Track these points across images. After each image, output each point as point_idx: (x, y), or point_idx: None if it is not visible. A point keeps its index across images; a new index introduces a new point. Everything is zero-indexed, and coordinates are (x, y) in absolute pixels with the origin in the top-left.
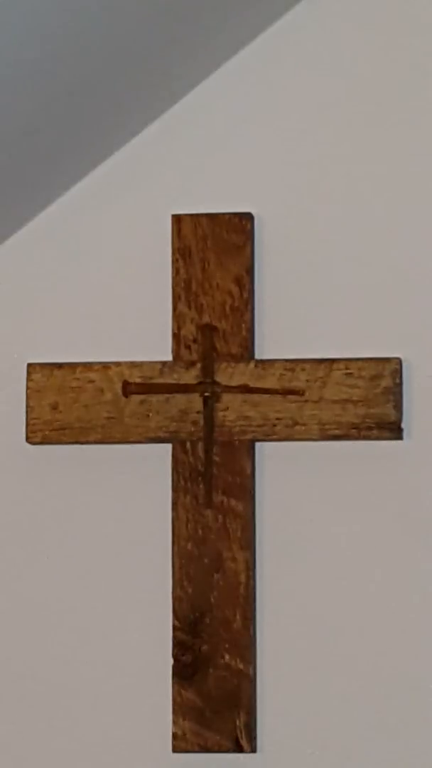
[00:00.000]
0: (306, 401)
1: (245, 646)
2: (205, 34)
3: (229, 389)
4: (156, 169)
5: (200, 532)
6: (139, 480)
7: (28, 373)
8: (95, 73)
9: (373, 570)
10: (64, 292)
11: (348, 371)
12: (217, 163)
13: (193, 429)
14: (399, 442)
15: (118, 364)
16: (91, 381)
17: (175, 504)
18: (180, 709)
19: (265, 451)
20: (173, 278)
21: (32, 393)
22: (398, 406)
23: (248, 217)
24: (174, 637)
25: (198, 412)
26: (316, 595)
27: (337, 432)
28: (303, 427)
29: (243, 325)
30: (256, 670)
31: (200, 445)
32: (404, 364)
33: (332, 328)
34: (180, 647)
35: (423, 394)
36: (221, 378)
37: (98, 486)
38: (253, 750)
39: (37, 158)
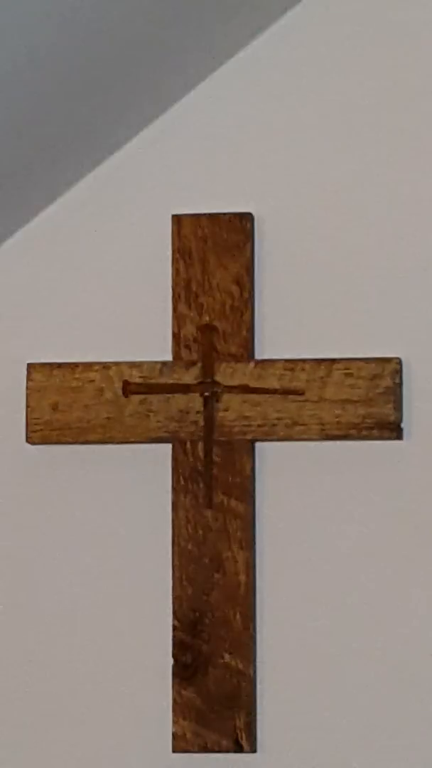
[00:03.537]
0: (306, 401)
1: (245, 646)
2: (205, 33)
3: (229, 389)
4: (156, 169)
5: (200, 532)
6: (139, 480)
7: (28, 373)
8: (95, 73)
9: (373, 570)
10: (64, 292)
11: (348, 371)
12: (217, 163)
13: (193, 429)
14: (399, 442)
15: (118, 364)
16: (91, 381)
17: (175, 504)
18: (180, 709)
19: (265, 451)
20: (173, 278)
21: (32, 393)
22: (398, 406)
23: (248, 217)
24: (174, 637)
25: (198, 412)
26: (316, 595)
27: (337, 432)
28: (303, 427)
29: (243, 325)
30: (256, 670)
31: (200, 445)
32: (404, 364)
33: (332, 328)
34: (180, 647)
35: (423, 394)
36: (221, 378)
37: (98, 486)
38: (253, 750)
39: (37, 158)
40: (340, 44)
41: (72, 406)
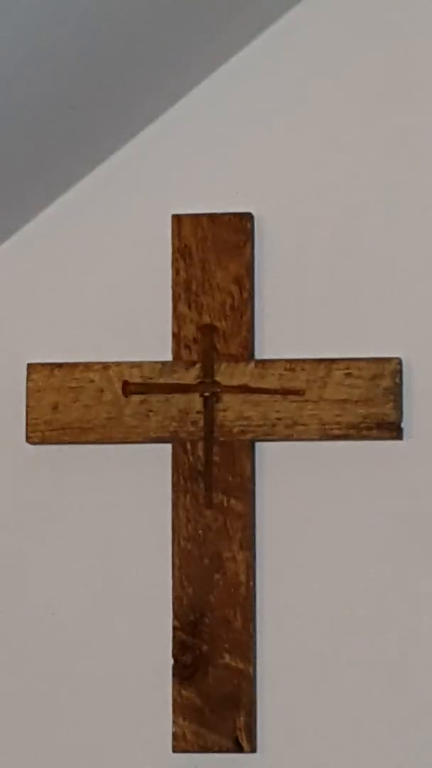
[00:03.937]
0: (306, 401)
1: (245, 646)
2: (205, 34)
3: (229, 389)
4: (156, 169)
5: (200, 532)
6: (139, 480)
7: (28, 373)
8: (95, 73)
9: (373, 570)
10: (64, 292)
11: (348, 371)
12: (217, 163)
13: (193, 429)
14: (399, 442)
15: (118, 364)
16: (91, 381)
17: (175, 504)
18: (180, 709)
19: (265, 451)
20: (173, 278)
21: (32, 393)
22: (398, 406)
23: (248, 217)
24: (174, 637)
25: (198, 412)
26: (316, 595)
27: (337, 432)
28: (303, 427)
29: (243, 325)
30: (256, 670)
31: (200, 445)
32: (404, 364)
33: (332, 328)
34: (180, 647)
35: (423, 394)
36: (221, 378)
37: (98, 486)
38: (253, 750)
39: (37, 158)
40: (340, 44)
41: (72, 406)
